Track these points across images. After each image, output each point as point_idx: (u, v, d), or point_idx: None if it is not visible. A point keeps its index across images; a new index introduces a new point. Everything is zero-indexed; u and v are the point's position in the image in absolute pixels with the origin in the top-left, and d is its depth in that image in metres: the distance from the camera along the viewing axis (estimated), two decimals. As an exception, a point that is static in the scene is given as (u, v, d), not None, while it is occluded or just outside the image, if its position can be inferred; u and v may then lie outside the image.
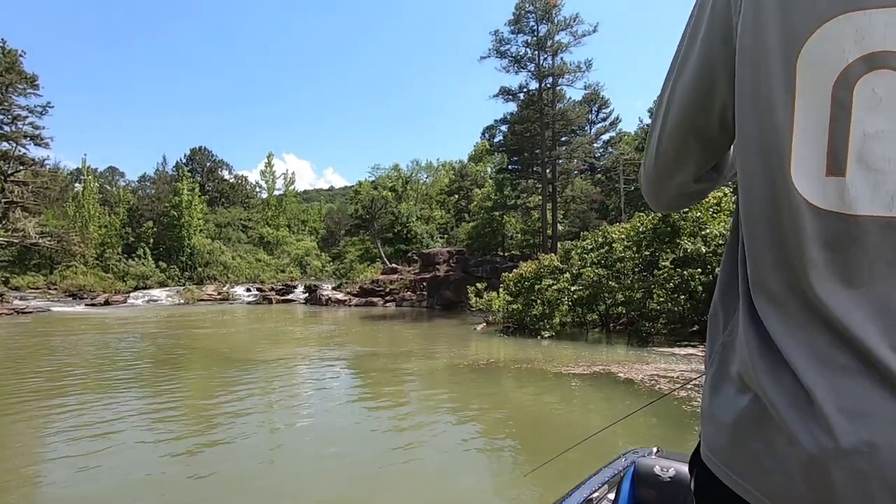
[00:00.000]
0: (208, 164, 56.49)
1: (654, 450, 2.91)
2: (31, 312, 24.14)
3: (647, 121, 40.11)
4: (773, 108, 0.50)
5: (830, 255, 0.49)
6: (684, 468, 1.80)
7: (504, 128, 29.34)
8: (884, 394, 0.44)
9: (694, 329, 12.24)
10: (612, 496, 2.16)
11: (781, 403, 0.49)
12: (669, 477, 1.76)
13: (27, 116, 30.49)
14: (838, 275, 0.48)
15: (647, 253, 13.65)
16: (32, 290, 31.71)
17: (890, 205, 0.46)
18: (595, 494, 2.36)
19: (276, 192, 56.83)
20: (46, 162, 33.50)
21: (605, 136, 38.44)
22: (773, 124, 0.50)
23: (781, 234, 0.51)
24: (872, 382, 0.45)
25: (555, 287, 14.05)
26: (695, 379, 7.22)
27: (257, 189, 58.39)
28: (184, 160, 54.54)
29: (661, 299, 12.40)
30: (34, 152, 32.04)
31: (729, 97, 0.57)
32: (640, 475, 1.81)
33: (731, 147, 0.65)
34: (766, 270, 0.52)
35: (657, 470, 1.79)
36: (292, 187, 58.74)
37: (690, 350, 10.64)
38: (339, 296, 29.08)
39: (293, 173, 68.09)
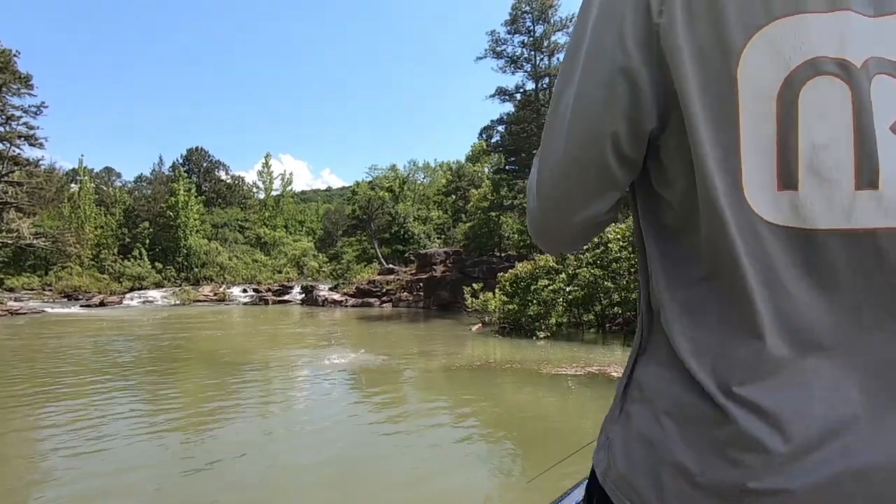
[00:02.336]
0: (205, 164, 56.38)
1: None
2: (25, 314, 24.01)
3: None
4: (716, 120, 0.46)
5: (791, 272, 0.46)
6: None
7: (501, 128, 29.34)
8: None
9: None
10: None
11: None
12: None
13: (21, 116, 30.32)
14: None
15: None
16: (27, 291, 31.60)
17: (847, 216, 0.45)
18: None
19: (274, 193, 56.78)
20: (42, 162, 33.25)
21: (602, 137, 38.46)
22: (717, 138, 0.46)
23: (745, 270, 0.47)
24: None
25: (550, 287, 14.04)
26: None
27: (254, 189, 58.32)
28: (180, 160, 54.43)
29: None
30: (29, 153, 31.84)
31: (649, 108, 0.50)
32: None
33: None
34: None
35: None
36: (290, 188, 58.70)
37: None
38: (336, 296, 29.02)
39: (291, 174, 67.93)
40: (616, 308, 14.09)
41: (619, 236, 14.68)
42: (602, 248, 14.47)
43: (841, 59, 0.44)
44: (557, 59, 26.91)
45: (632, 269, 13.80)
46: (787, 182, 0.45)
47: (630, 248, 14.14)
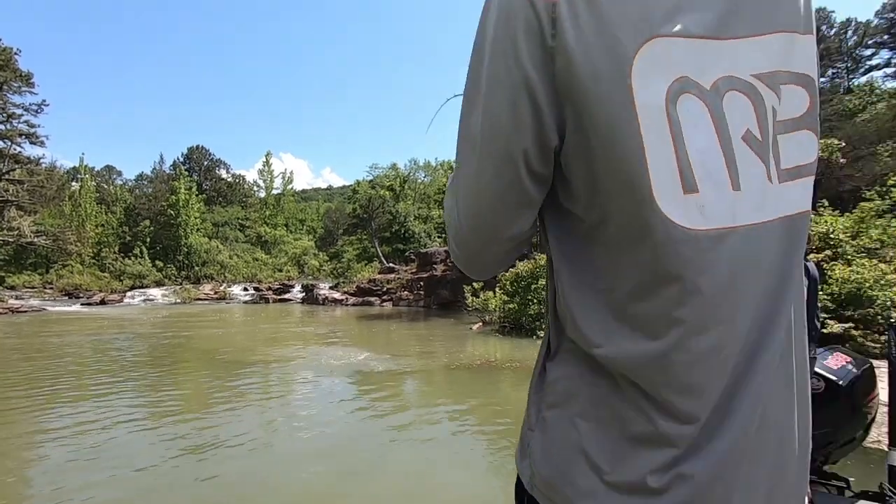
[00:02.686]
0: (206, 162, 56.41)
1: None
2: (26, 312, 24.05)
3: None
4: (622, 134, 0.49)
5: (701, 276, 0.50)
6: None
7: (502, 127, 29.32)
8: None
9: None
10: None
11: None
12: None
13: (22, 115, 30.35)
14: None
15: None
16: (28, 290, 31.61)
17: (733, 216, 0.51)
18: None
19: (274, 192, 56.80)
20: (42, 161, 33.27)
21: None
22: (625, 150, 0.49)
23: (655, 260, 0.51)
24: None
25: (551, 287, 14.02)
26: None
27: (255, 188, 58.34)
28: (181, 159, 54.48)
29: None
30: (29, 151, 31.80)
31: (551, 126, 0.52)
32: None
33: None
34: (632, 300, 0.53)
35: None
36: (290, 186, 58.71)
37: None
38: (336, 295, 29.03)
39: (291, 172, 67.85)
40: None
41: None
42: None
43: (695, 81, 0.50)
44: (558, 57, 26.84)
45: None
46: (689, 186, 0.50)
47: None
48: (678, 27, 0.49)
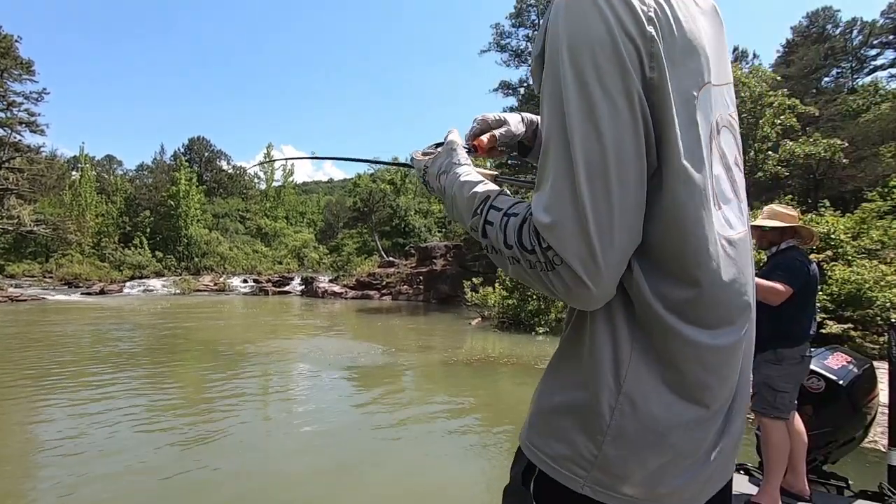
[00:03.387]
0: (206, 154, 56.18)
1: None
2: (26, 300, 24.05)
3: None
4: (695, 156, 0.60)
5: (732, 274, 0.65)
6: None
7: (504, 122, 29.20)
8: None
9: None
10: None
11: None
12: None
13: (23, 103, 30.21)
14: (736, 290, 0.66)
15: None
16: (28, 278, 31.56)
17: (733, 225, 0.68)
18: None
19: (275, 184, 56.61)
20: (42, 149, 33.16)
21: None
22: (696, 170, 0.60)
23: (709, 264, 0.62)
24: None
25: (550, 283, 14.00)
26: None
27: (256, 180, 58.14)
28: (182, 150, 54.25)
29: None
30: (30, 139, 31.66)
31: (651, 153, 0.59)
32: None
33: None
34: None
35: None
36: (291, 179, 58.52)
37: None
38: (336, 288, 29.03)
39: (292, 164, 67.64)
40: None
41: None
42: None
43: (724, 117, 0.68)
44: (562, 53, 26.70)
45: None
46: (718, 203, 0.65)
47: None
48: (712, 76, 0.64)
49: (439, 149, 0.87)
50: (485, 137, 0.89)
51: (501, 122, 0.92)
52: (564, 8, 0.59)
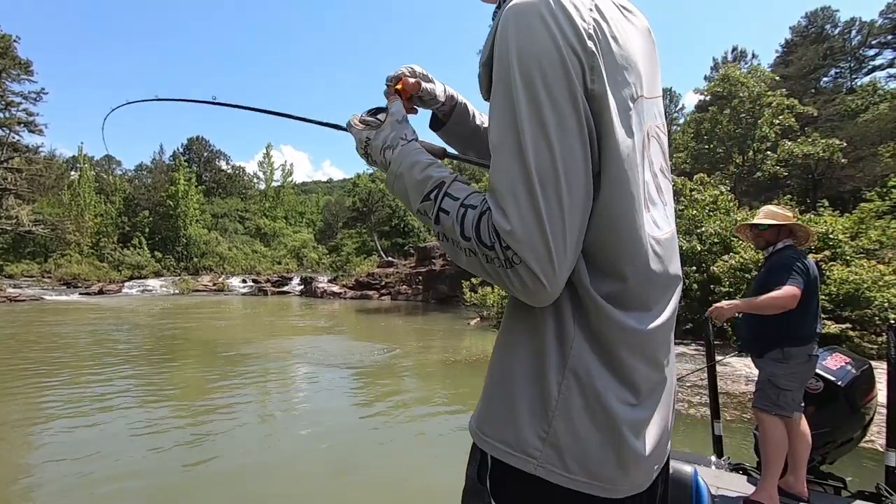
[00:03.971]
0: (205, 154, 56.17)
1: None
2: (24, 301, 24.03)
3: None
4: (631, 162, 0.65)
5: (660, 274, 0.71)
6: (681, 466, 1.80)
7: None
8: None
9: (687, 327, 12.25)
10: None
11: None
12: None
13: (21, 103, 30.23)
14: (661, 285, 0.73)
15: (642, 250, 13.57)
16: (26, 278, 31.52)
17: (661, 227, 0.73)
18: None
19: (274, 184, 56.57)
20: (41, 149, 33.14)
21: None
22: (633, 174, 0.65)
23: (641, 260, 0.67)
24: None
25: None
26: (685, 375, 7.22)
27: (255, 180, 58.12)
28: (181, 150, 54.25)
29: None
30: (28, 139, 31.68)
31: (592, 154, 0.63)
32: None
33: None
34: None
35: None
36: (290, 179, 58.50)
37: (682, 348, 10.65)
38: (335, 288, 29.03)
39: (291, 164, 67.53)
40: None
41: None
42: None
43: (654, 127, 0.74)
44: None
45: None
46: (647, 206, 0.70)
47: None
48: (644, 90, 0.69)
49: (381, 117, 0.84)
50: (411, 79, 0.88)
51: (429, 80, 0.93)
52: (513, 22, 0.62)
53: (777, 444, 2.40)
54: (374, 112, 0.85)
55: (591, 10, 0.62)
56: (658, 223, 0.72)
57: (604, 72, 0.61)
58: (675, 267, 0.75)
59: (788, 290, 2.41)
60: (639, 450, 0.67)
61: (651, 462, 0.69)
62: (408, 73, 0.90)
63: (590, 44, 0.60)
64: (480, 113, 1.06)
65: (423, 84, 0.91)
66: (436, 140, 0.91)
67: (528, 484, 0.67)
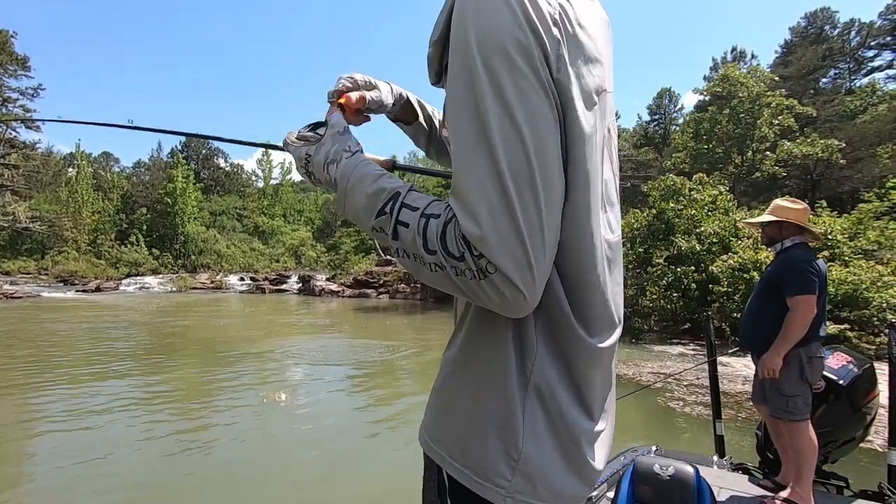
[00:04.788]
0: (204, 151, 56.04)
1: (654, 448, 2.89)
2: (21, 298, 23.94)
3: (646, 118, 40.01)
4: (599, 162, 0.63)
5: (610, 274, 0.68)
6: (684, 466, 1.80)
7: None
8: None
9: (685, 327, 12.26)
10: (611, 494, 2.14)
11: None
12: (668, 475, 1.76)
13: (18, 99, 30.12)
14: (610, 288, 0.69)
15: (641, 250, 13.63)
16: (23, 275, 31.42)
17: (618, 227, 0.72)
18: (594, 493, 2.34)
19: (273, 182, 56.47)
20: (38, 146, 33.05)
21: (603, 132, 38.28)
22: (592, 170, 0.61)
23: (596, 266, 0.64)
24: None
25: (548, 282, 13.99)
26: (672, 375, 7.21)
27: (253, 178, 58.03)
28: (179, 147, 54.06)
29: (654, 296, 12.40)
30: (25, 135, 31.59)
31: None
32: (639, 473, 1.80)
33: None
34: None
35: (656, 468, 1.79)
36: (289, 177, 58.40)
37: (681, 349, 10.67)
38: (333, 287, 28.99)
39: (291, 163, 67.31)
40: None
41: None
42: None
43: (607, 124, 0.67)
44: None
45: (629, 266, 13.80)
46: (605, 206, 0.67)
47: (628, 244, 14.11)
48: (609, 83, 0.66)
49: (321, 131, 0.77)
50: (353, 95, 0.81)
51: (372, 86, 0.86)
52: (473, 1, 0.56)
53: (803, 448, 2.33)
54: (314, 126, 0.78)
55: None
56: (612, 225, 0.69)
57: (568, 62, 0.56)
58: (619, 274, 0.71)
59: (803, 304, 2.32)
60: (595, 464, 0.66)
61: (599, 472, 0.69)
62: (350, 86, 0.82)
63: (555, 30, 0.55)
64: (433, 109, 1.00)
65: (368, 94, 0.83)
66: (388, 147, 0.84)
67: None
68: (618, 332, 0.70)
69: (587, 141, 0.59)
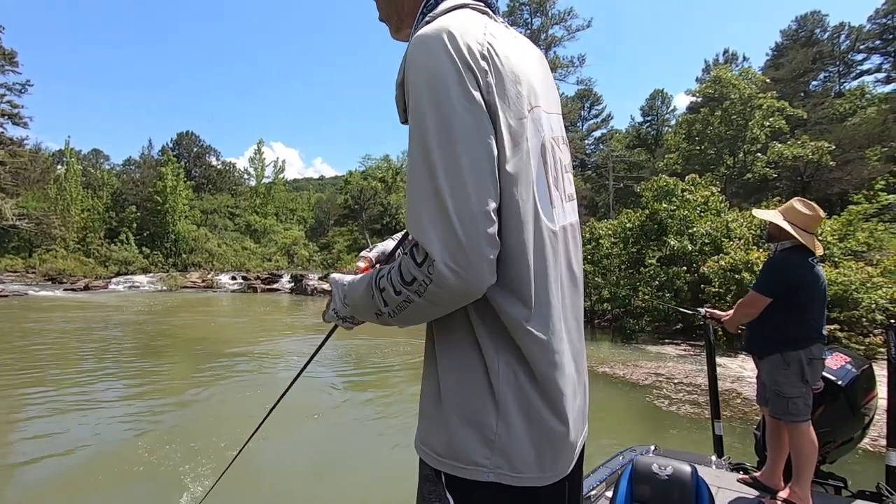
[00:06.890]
0: (195, 149, 55.44)
1: (652, 448, 2.89)
2: (7, 296, 23.56)
3: (639, 119, 40.28)
4: (522, 168, 0.72)
5: (559, 264, 0.80)
6: (682, 466, 1.79)
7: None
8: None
9: (677, 327, 12.32)
10: (609, 494, 2.14)
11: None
12: (667, 475, 1.76)
13: (5, 94, 29.68)
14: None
15: (633, 250, 13.68)
16: (10, 273, 30.89)
17: (564, 217, 0.83)
18: (593, 492, 2.34)
19: (265, 180, 56.06)
20: (26, 142, 32.59)
21: (597, 133, 38.48)
22: (525, 180, 0.72)
23: (546, 258, 0.75)
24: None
25: (542, 282, 14.00)
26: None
27: (245, 176, 57.53)
28: (170, 145, 53.46)
29: (647, 297, 12.45)
30: (12, 132, 31.13)
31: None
32: (638, 473, 1.80)
33: None
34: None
35: (655, 468, 1.79)
36: (281, 176, 58.02)
37: (672, 349, 10.72)
38: (325, 286, 28.86)
39: (283, 161, 66.92)
40: (605, 304, 14.11)
41: (610, 232, 14.71)
42: (594, 243, 14.49)
43: (551, 137, 0.82)
44: (554, 52, 26.80)
45: (622, 266, 13.85)
46: (551, 202, 0.79)
47: (621, 245, 14.16)
48: (541, 102, 0.79)
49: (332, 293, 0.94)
50: (361, 263, 1.01)
51: (382, 258, 1.04)
52: (418, 47, 0.71)
53: (803, 450, 2.33)
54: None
55: (483, 34, 0.72)
56: (557, 218, 0.79)
57: (494, 86, 0.69)
58: (574, 257, 0.86)
59: (749, 297, 2.50)
60: (567, 433, 0.76)
61: (573, 444, 0.78)
62: (363, 266, 1.00)
63: (483, 63, 0.69)
64: None
65: (370, 254, 1.03)
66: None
67: (482, 489, 0.73)
68: (573, 306, 0.83)
69: (516, 147, 0.71)
